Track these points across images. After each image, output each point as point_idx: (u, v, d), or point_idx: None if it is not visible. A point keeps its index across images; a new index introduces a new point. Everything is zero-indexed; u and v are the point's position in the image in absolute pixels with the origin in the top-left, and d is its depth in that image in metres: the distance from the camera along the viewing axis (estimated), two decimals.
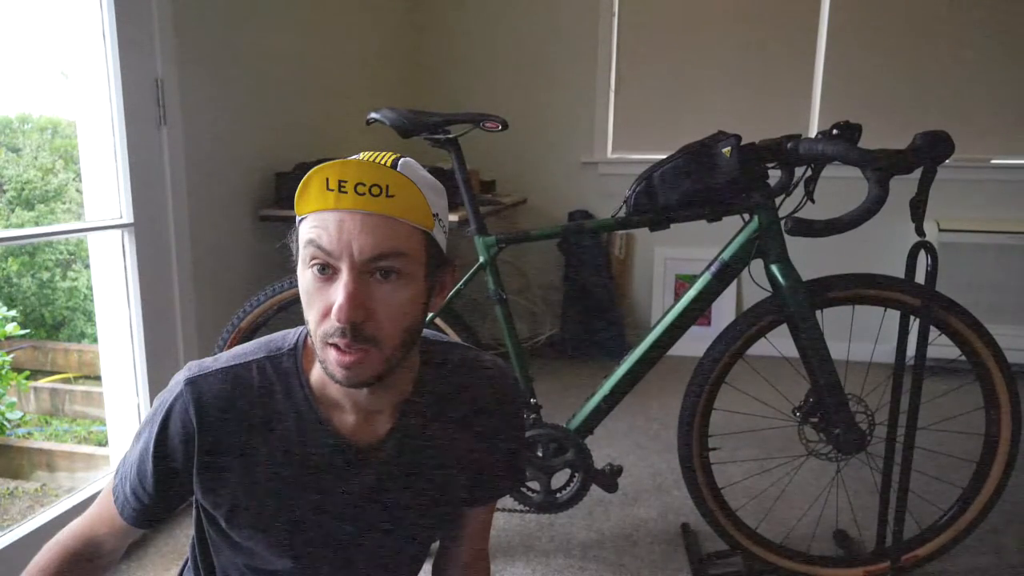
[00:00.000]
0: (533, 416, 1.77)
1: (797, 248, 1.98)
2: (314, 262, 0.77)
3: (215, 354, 0.93)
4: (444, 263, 0.84)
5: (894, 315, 1.68)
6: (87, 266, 3.27)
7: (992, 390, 1.68)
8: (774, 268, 1.62)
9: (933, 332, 1.61)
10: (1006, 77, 3.42)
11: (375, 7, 3.29)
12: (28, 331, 3.37)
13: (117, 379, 2.02)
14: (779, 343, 1.74)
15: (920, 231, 1.48)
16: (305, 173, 0.75)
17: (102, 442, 2.86)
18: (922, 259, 1.55)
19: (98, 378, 2.46)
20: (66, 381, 3.26)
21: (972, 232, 3.30)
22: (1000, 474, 1.70)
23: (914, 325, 1.62)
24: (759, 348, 1.73)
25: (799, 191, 1.60)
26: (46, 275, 3.50)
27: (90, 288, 2.48)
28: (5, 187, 3.37)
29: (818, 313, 1.64)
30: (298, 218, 0.79)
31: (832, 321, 1.74)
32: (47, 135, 3.56)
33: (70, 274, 3.58)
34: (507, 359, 1.77)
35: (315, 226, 0.76)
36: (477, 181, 2.97)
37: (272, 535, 0.89)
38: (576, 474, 1.77)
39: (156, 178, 1.99)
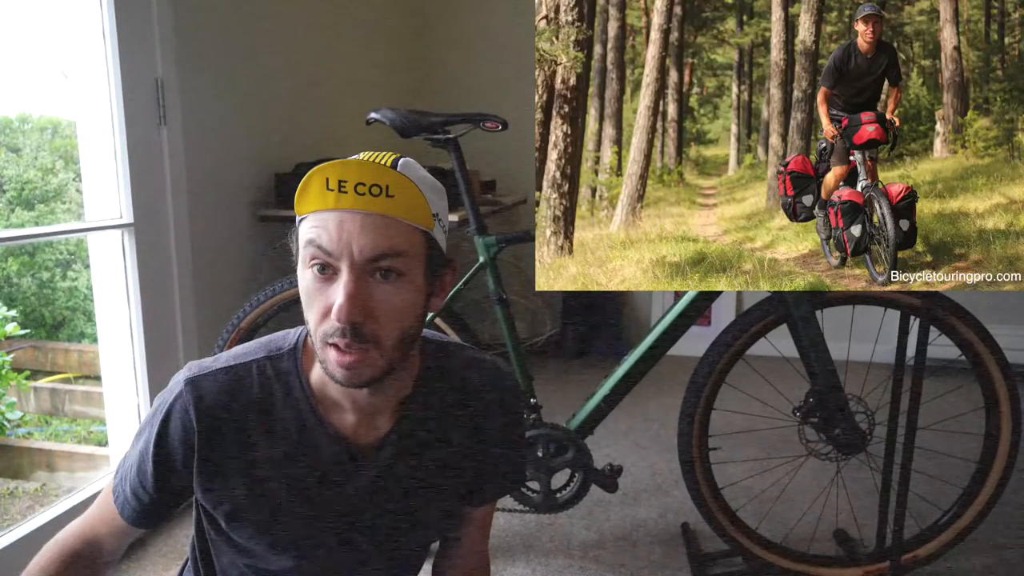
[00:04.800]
0: (533, 416, 1.77)
1: None
2: (314, 262, 0.77)
3: (215, 354, 0.93)
4: (444, 263, 0.84)
5: (894, 315, 1.67)
6: (87, 266, 3.27)
7: (992, 390, 1.68)
8: None
9: (933, 332, 1.61)
10: None
11: (375, 7, 3.29)
12: (28, 331, 3.36)
13: (117, 379, 2.02)
14: (779, 343, 1.74)
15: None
16: (305, 173, 0.75)
17: (102, 442, 2.86)
18: None
19: (98, 378, 2.45)
20: (66, 381, 3.25)
21: None
22: (1000, 474, 1.70)
23: (914, 325, 1.62)
24: (759, 348, 1.73)
25: None
26: (46, 275, 3.50)
27: (90, 288, 2.48)
28: (5, 187, 3.37)
29: (818, 313, 1.64)
30: (298, 218, 0.79)
31: (832, 321, 1.74)
32: (47, 135, 3.56)
33: (70, 274, 3.58)
34: (507, 359, 1.77)
35: (315, 226, 0.76)
36: (477, 181, 2.96)
37: (272, 535, 0.89)
38: (576, 474, 1.77)
39: (156, 178, 1.98)
